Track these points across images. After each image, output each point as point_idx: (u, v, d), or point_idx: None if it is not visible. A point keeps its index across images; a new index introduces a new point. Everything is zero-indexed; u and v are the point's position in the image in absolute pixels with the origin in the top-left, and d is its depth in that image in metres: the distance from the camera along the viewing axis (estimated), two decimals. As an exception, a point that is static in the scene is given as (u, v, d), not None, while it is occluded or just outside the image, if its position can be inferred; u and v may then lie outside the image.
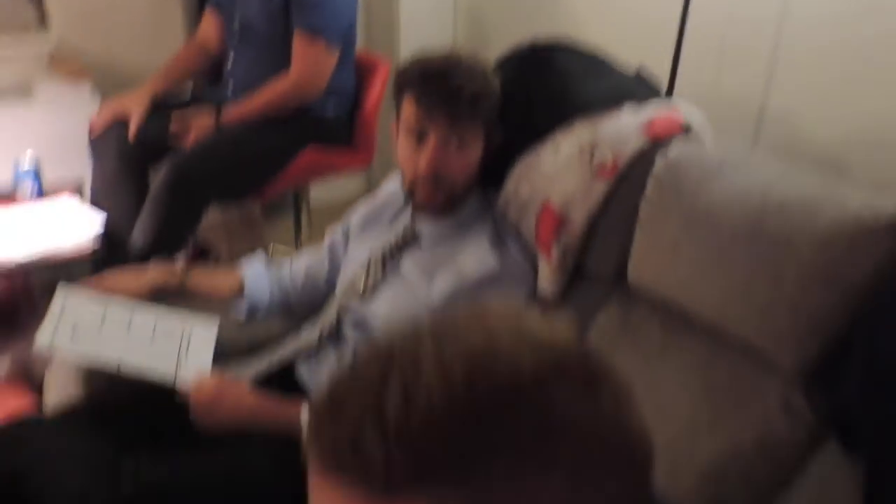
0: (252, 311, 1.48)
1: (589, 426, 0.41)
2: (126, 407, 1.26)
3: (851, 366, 0.88)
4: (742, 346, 1.01)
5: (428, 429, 0.39)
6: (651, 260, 1.08)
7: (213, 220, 2.65)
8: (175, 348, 1.29)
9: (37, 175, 2.07)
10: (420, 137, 1.22)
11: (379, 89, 2.22)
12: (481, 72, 1.23)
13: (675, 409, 1.03)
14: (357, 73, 2.19)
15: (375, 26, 2.80)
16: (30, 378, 1.40)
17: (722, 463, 0.97)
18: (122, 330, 1.29)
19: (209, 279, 1.49)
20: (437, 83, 1.19)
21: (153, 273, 1.46)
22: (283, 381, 1.34)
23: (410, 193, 1.28)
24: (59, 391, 1.42)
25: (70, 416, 1.24)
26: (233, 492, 1.08)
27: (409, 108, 1.22)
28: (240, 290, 1.47)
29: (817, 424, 0.94)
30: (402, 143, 1.25)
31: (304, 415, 1.21)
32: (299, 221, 2.65)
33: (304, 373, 1.35)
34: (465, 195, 1.29)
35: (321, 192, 2.74)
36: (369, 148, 2.30)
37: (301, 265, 1.52)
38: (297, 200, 2.63)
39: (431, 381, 0.40)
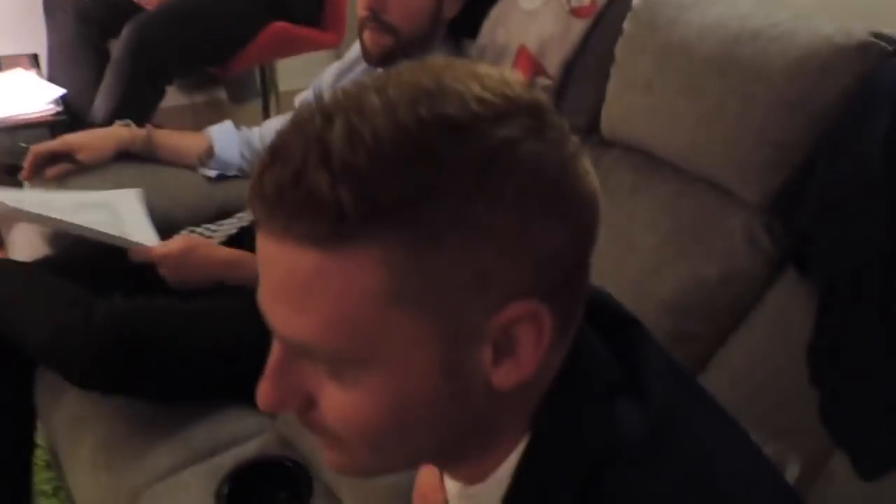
0: (222, 171, 1.47)
1: (537, 165, 0.40)
2: (95, 261, 1.25)
3: (812, 191, 0.91)
4: (708, 182, 1.02)
5: (375, 163, 0.37)
6: (625, 100, 1.08)
7: (177, 103, 2.58)
8: (110, 217, 1.26)
9: None
10: None
11: (349, -40, 2.14)
12: None
13: (642, 247, 1.06)
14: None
15: None
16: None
17: (684, 295, 1.00)
18: (57, 207, 1.23)
19: (176, 139, 1.45)
20: None
21: (118, 131, 1.42)
22: (253, 239, 1.34)
23: (360, 41, 1.24)
24: (25, 249, 1.40)
25: (40, 264, 1.23)
26: (207, 326, 1.09)
27: None
28: (208, 152, 1.45)
29: (777, 257, 0.97)
30: None
31: None
32: (267, 105, 2.59)
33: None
34: (425, 44, 1.24)
35: (290, 75, 2.67)
36: (339, 27, 2.23)
37: (271, 127, 1.49)
38: (265, 82, 2.57)
39: (377, 119, 0.38)
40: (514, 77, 0.42)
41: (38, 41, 2.10)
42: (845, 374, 0.85)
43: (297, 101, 1.48)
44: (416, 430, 0.44)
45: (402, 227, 0.38)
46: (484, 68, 0.42)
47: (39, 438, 1.27)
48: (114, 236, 1.16)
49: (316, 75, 1.56)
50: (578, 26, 1.14)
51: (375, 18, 1.17)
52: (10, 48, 2.06)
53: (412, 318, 0.40)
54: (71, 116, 1.86)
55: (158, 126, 2.11)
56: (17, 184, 1.84)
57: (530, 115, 0.40)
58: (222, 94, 2.75)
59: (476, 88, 0.40)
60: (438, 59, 0.43)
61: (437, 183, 0.38)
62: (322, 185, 0.37)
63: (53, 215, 1.16)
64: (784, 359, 0.91)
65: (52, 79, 2.00)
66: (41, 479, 1.47)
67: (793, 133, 0.91)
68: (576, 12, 1.14)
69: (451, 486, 0.52)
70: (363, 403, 0.42)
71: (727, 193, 1.00)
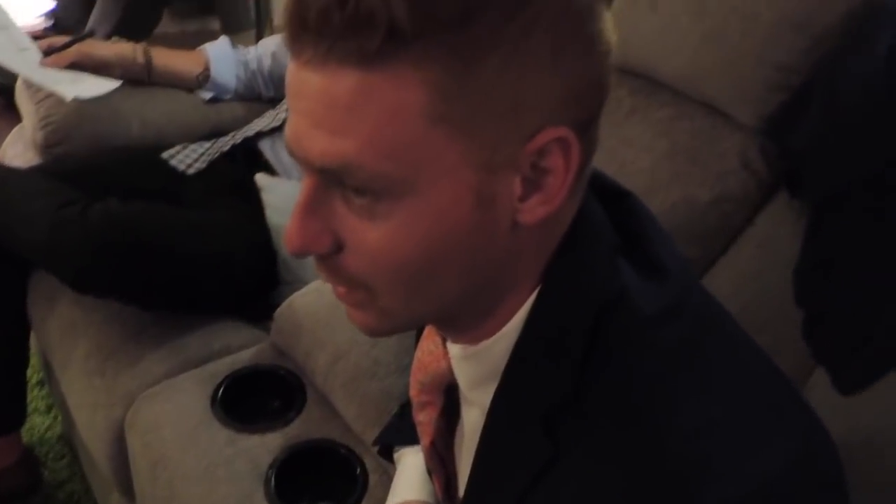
0: (218, 94, 1.45)
1: (567, 3, 0.41)
2: (90, 168, 1.24)
3: (810, 111, 0.90)
4: (706, 105, 1.02)
5: None
6: (628, 20, 1.07)
7: (169, 30, 2.53)
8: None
9: None
10: None
11: None
12: None
13: (636, 169, 1.06)
14: None
15: None
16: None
17: (674, 214, 1.01)
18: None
19: (174, 58, 1.42)
20: None
21: (122, 48, 1.38)
22: (247, 158, 1.33)
23: None
24: (17, 160, 1.39)
25: (35, 170, 1.22)
26: (203, 233, 1.09)
27: None
28: (205, 72, 1.42)
29: (770, 179, 0.98)
30: None
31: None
32: (261, 36, 2.54)
33: (266, 149, 1.34)
34: None
35: (283, 7, 2.61)
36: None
37: (268, 47, 1.47)
38: (259, 12, 2.52)
39: None
40: None
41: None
42: (829, 293, 0.87)
43: None
44: (446, 269, 0.45)
45: (448, 44, 0.39)
46: None
47: (32, 355, 1.28)
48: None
49: None
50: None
51: None
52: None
53: (451, 141, 0.41)
54: (59, 32, 1.83)
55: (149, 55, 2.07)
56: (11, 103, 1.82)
57: None
58: (215, 24, 2.70)
59: None
60: None
61: (482, 3, 0.39)
62: (373, 0, 0.38)
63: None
64: (772, 279, 0.92)
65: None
66: (34, 397, 1.50)
67: (794, 54, 0.91)
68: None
69: (454, 349, 0.53)
70: (397, 236, 0.43)
71: (724, 117, 1.00)
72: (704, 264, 1.00)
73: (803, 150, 0.91)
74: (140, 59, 1.37)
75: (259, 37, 2.57)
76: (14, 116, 1.89)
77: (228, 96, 1.46)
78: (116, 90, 1.31)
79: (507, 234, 0.44)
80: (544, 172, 0.43)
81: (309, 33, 0.40)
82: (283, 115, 1.34)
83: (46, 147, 1.30)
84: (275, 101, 1.44)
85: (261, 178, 1.21)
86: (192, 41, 2.76)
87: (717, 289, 0.96)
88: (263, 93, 1.48)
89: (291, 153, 0.45)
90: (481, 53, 0.39)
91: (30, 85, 1.33)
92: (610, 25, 0.44)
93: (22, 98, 1.36)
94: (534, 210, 0.44)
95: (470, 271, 0.46)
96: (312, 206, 0.44)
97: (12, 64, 1.25)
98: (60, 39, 1.34)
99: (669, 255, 0.50)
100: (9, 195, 1.06)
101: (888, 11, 0.83)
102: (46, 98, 1.32)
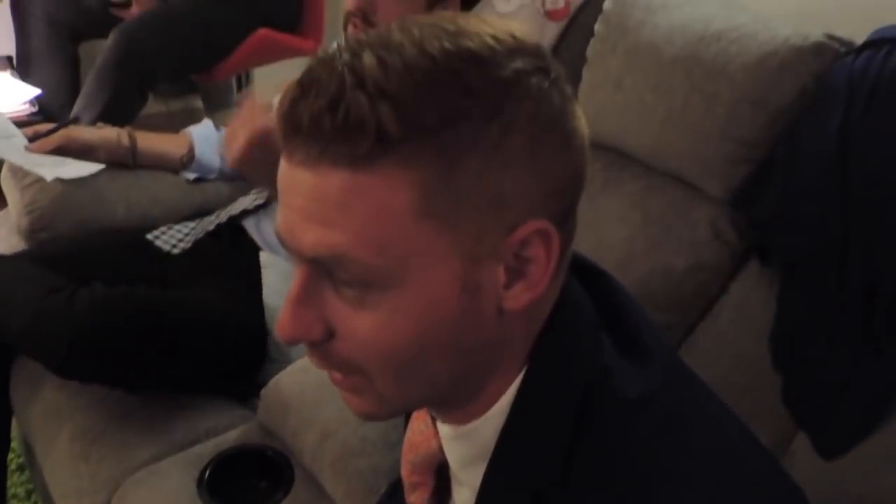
0: (202, 174, 1.47)
1: (543, 97, 0.45)
2: (75, 254, 1.25)
3: (771, 183, 0.95)
4: (675, 177, 1.07)
5: (409, 88, 0.41)
6: (597, 98, 1.12)
7: (154, 110, 2.58)
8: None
9: None
10: None
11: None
12: None
13: (613, 241, 1.09)
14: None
15: None
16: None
17: (654, 285, 1.04)
18: None
19: (158, 141, 1.44)
20: None
21: (108, 130, 1.40)
22: (232, 237, 1.35)
23: (345, 35, 1.26)
24: (0, 243, 1.40)
25: (20, 256, 1.23)
26: (188, 315, 1.09)
27: None
28: (189, 153, 1.44)
29: (741, 248, 1.02)
30: None
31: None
32: (244, 113, 2.60)
33: (251, 227, 1.35)
34: None
35: (265, 84, 2.69)
36: (317, 31, 2.25)
37: None
38: (241, 90, 2.59)
39: (405, 51, 0.42)
40: (516, 26, 0.47)
41: (11, 44, 2.10)
42: (803, 358, 0.90)
43: (275, 101, 1.50)
44: (436, 356, 0.47)
45: (434, 146, 0.42)
46: (490, 19, 0.47)
47: (12, 439, 1.26)
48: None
49: (288, 80, 1.58)
50: (553, 29, 1.18)
51: (363, 17, 1.20)
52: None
53: (437, 235, 0.43)
54: (44, 118, 1.86)
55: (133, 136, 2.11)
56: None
57: (535, 56, 0.45)
58: (198, 103, 2.76)
59: (489, 30, 0.44)
60: (448, 12, 0.47)
61: (463, 107, 0.42)
62: (362, 108, 0.41)
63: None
64: (749, 345, 0.95)
65: (23, 79, 1.99)
66: (14, 483, 1.46)
67: (754, 130, 0.96)
68: (550, 15, 1.18)
69: (445, 429, 0.55)
70: (387, 325, 0.45)
71: (693, 188, 1.04)
72: (683, 331, 1.02)
73: (768, 220, 0.96)
74: (125, 142, 1.39)
75: (241, 114, 2.64)
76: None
77: (213, 176, 1.49)
78: (99, 172, 1.34)
79: (493, 319, 0.47)
80: (527, 262, 0.46)
81: (301, 136, 0.43)
82: (266, 193, 1.36)
83: (31, 232, 1.31)
84: None
85: (265, 258, 1.23)
86: (176, 120, 2.83)
87: (695, 355, 1.00)
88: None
89: (283, 244, 0.47)
90: (463, 154, 0.42)
91: (14, 170, 1.35)
92: (583, 121, 0.48)
93: (7, 184, 1.38)
94: (518, 297, 0.46)
95: (459, 356, 0.48)
96: (304, 296, 0.46)
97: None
98: (45, 126, 1.36)
99: (650, 335, 0.52)
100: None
101: (836, 91, 0.88)
102: (32, 184, 1.34)
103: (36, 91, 1.85)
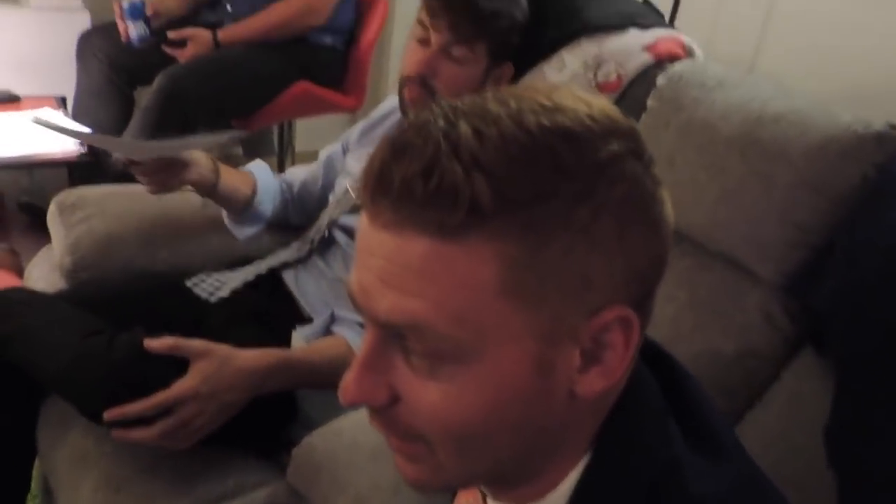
0: (254, 223, 1.42)
1: (635, 182, 0.44)
2: (113, 296, 1.25)
3: (830, 271, 0.93)
4: (727, 258, 1.04)
5: (504, 161, 0.40)
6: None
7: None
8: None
9: (140, 13, 1.96)
10: (424, 41, 1.22)
11: (376, 28, 2.22)
12: None
13: (659, 319, 1.06)
14: (356, 11, 2.20)
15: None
16: (17, 271, 1.38)
17: (700, 368, 1.00)
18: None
19: (231, 178, 1.36)
20: None
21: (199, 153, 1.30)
22: (270, 287, 1.35)
23: (400, 96, 1.28)
24: (42, 282, 1.41)
25: (59, 296, 1.23)
26: None
27: (422, 10, 1.22)
28: (253, 195, 1.38)
29: (794, 335, 0.99)
30: (408, 47, 1.25)
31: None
32: (283, 163, 2.64)
33: (290, 280, 1.35)
34: None
35: (306, 136, 2.73)
36: (360, 90, 2.30)
37: (297, 175, 1.50)
38: (283, 140, 2.63)
39: (502, 123, 0.41)
40: (610, 104, 0.46)
41: (65, 85, 2.16)
42: (861, 456, 0.85)
43: (322, 154, 1.52)
44: (502, 433, 0.45)
45: (523, 222, 0.41)
46: (582, 93, 0.46)
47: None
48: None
49: (331, 137, 1.62)
50: (604, 101, 1.18)
51: (423, 82, 1.21)
52: (39, 90, 2.12)
53: (517, 312, 0.42)
54: (93, 157, 1.90)
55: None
56: (40, 222, 1.86)
57: (630, 139, 0.45)
58: (238, 149, 2.81)
59: (584, 108, 0.44)
60: (540, 83, 0.47)
61: (556, 185, 0.41)
62: (457, 177, 0.40)
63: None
64: (801, 438, 0.91)
65: (76, 120, 2.05)
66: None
67: (813, 214, 0.94)
68: (601, 87, 1.18)
69: None
70: (457, 398, 0.43)
71: (745, 270, 1.02)
72: (731, 418, 0.99)
73: (825, 309, 0.93)
74: (212, 167, 1.31)
75: (281, 163, 2.67)
76: (38, 235, 1.94)
77: (260, 227, 1.44)
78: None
79: (563, 401, 0.45)
80: (604, 347, 0.45)
81: (389, 199, 0.42)
82: (306, 247, 1.36)
83: (73, 272, 1.32)
84: (299, 230, 1.47)
85: (296, 337, 1.21)
86: (215, 166, 2.85)
87: (745, 445, 0.96)
88: (293, 220, 1.50)
89: (356, 305, 0.46)
90: (552, 232, 0.41)
91: (62, 208, 1.36)
92: (670, 206, 0.47)
93: (53, 222, 1.40)
94: (592, 383, 0.45)
95: (524, 435, 0.46)
96: (373, 360, 0.45)
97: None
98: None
99: (721, 426, 0.50)
100: (33, 321, 1.07)
101: (901, 180, 0.87)
102: (77, 224, 1.36)
103: (87, 130, 1.89)
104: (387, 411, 0.46)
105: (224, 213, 1.42)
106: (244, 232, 1.42)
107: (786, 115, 0.98)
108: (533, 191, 0.41)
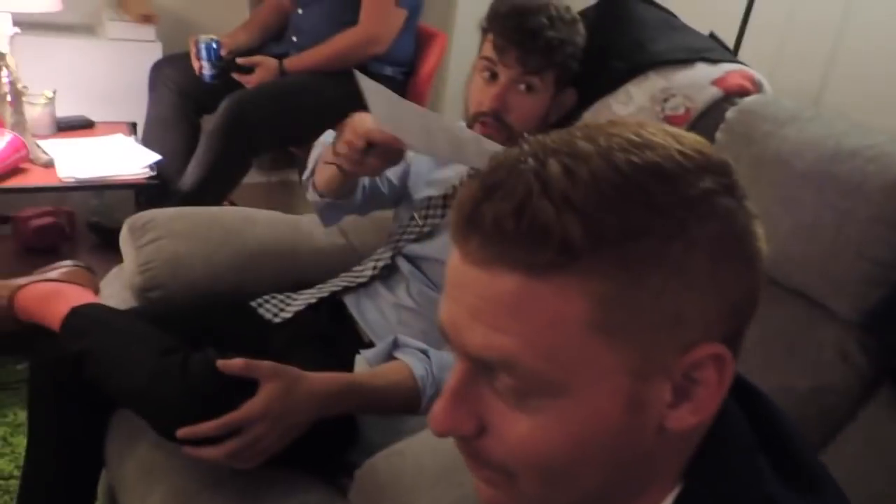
0: (348, 209, 1.40)
1: (728, 218, 0.44)
2: (185, 315, 1.28)
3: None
4: (800, 294, 1.03)
5: (595, 199, 0.41)
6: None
7: (253, 180, 2.70)
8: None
9: (215, 54, 2.03)
10: (492, 76, 1.24)
11: (434, 60, 2.26)
12: (567, 22, 1.22)
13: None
14: (415, 44, 2.24)
15: None
16: (93, 288, 1.43)
17: (771, 404, 0.99)
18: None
19: None
20: (516, 23, 1.20)
21: None
22: (332, 311, 1.37)
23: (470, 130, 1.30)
24: (113, 300, 1.45)
25: (133, 313, 1.27)
26: None
27: (486, 46, 1.24)
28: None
29: (871, 373, 0.96)
30: (474, 80, 1.28)
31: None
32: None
33: (352, 304, 1.37)
34: None
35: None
36: (418, 119, 2.34)
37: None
38: (339, 167, 2.68)
39: (593, 161, 0.42)
40: (700, 138, 0.46)
41: (136, 111, 2.25)
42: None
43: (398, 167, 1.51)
44: (588, 466, 0.45)
45: (616, 260, 0.41)
46: (671, 128, 0.46)
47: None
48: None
49: None
50: (672, 134, 1.18)
51: (495, 118, 1.23)
52: (112, 116, 2.21)
53: (609, 348, 0.42)
54: (161, 182, 1.97)
55: (233, 203, 2.20)
56: (107, 242, 1.92)
57: (722, 174, 0.44)
58: (294, 176, 2.88)
59: (674, 144, 0.44)
60: (627, 118, 0.47)
61: (648, 223, 0.41)
62: (548, 216, 0.40)
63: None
64: (881, 482, 0.88)
65: (146, 146, 2.13)
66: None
67: (891, 251, 0.92)
68: (669, 119, 1.18)
69: None
70: (545, 432, 0.43)
71: (819, 306, 1.00)
72: (804, 457, 0.96)
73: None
74: None
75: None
76: (105, 254, 2.01)
77: (351, 213, 1.41)
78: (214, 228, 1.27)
79: (652, 436, 0.45)
80: (696, 383, 0.44)
81: (480, 236, 0.43)
82: (368, 273, 1.38)
83: (143, 290, 1.36)
84: (362, 257, 1.45)
85: (359, 361, 1.22)
86: (273, 191, 2.95)
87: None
88: (361, 212, 1.45)
89: (446, 338, 0.47)
90: (644, 270, 0.41)
91: (133, 229, 1.40)
92: (763, 240, 0.46)
93: (125, 242, 1.45)
94: (683, 418, 0.45)
95: (612, 469, 0.46)
96: (462, 391, 0.46)
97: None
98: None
99: (812, 458, 0.49)
100: (110, 338, 1.10)
101: None
102: (148, 244, 1.40)
103: (156, 156, 1.96)
104: (473, 441, 0.46)
105: (318, 202, 1.35)
106: (333, 219, 1.39)
107: (862, 151, 0.96)
108: (624, 229, 0.41)
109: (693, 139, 0.46)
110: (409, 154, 1.51)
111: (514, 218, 0.41)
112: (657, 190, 0.42)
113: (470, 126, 1.28)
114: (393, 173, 1.44)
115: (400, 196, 1.46)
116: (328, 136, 1.37)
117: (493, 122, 1.24)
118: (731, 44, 1.71)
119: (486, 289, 0.43)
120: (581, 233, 0.40)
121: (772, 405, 0.52)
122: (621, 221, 0.41)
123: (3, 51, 1.81)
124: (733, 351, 0.45)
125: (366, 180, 1.37)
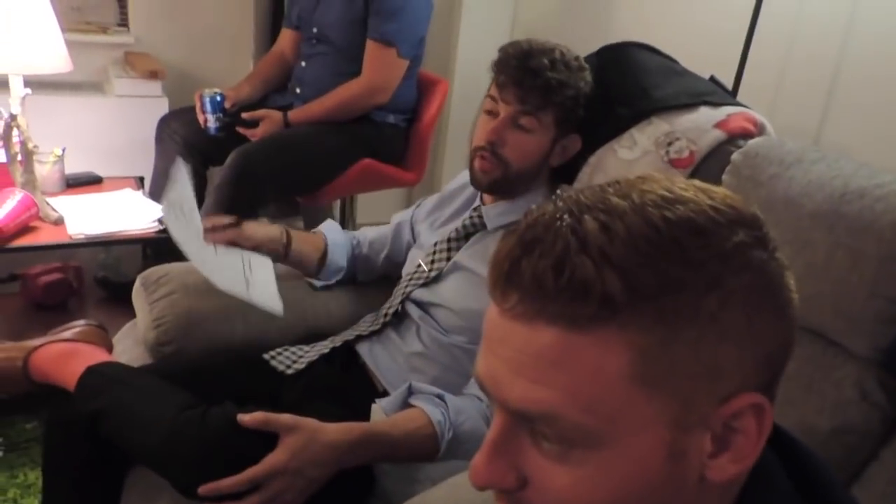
0: (330, 277, 1.50)
1: (762, 270, 0.45)
2: (200, 370, 1.28)
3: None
4: (816, 332, 1.03)
5: (632, 254, 0.42)
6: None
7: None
8: (240, 269, 1.32)
9: (219, 106, 2.09)
10: (493, 114, 1.27)
11: (436, 106, 2.30)
12: (572, 67, 1.25)
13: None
14: (417, 90, 2.28)
15: (433, 45, 2.90)
16: (107, 346, 1.43)
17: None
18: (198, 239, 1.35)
19: (304, 244, 1.47)
20: (519, 63, 1.23)
21: (273, 228, 1.44)
22: (345, 360, 1.37)
23: (470, 167, 1.32)
24: (126, 355, 1.45)
25: (148, 370, 1.27)
26: None
27: (491, 87, 1.28)
28: (323, 259, 1.48)
29: (891, 412, 0.96)
30: (479, 120, 1.30)
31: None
32: (343, 236, 2.70)
33: (365, 352, 1.37)
34: (530, 184, 1.31)
35: (364, 210, 2.81)
36: (421, 165, 2.37)
37: (367, 234, 1.56)
38: (345, 214, 2.70)
39: (628, 217, 0.43)
40: (732, 193, 0.47)
41: (143, 165, 2.28)
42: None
43: (395, 220, 1.56)
44: None
45: (654, 313, 0.42)
46: (701, 183, 0.47)
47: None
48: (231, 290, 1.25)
49: (389, 210, 1.68)
50: (677, 177, 1.19)
51: (492, 151, 1.26)
52: (120, 171, 2.24)
53: (649, 400, 0.43)
54: (169, 235, 1.98)
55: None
56: (115, 296, 1.92)
57: (754, 227, 0.45)
58: (300, 223, 2.90)
59: (706, 199, 0.45)
60: (657, 174, 0.49)
61: (684, 277, 0.42)
62: (588, 272, 0.41)
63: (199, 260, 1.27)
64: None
65: (153, 199, 2.15)
66: None
67: (906, 288, 0.93)
68: (674, 163, 1.20)
69: None
70: (587, 484, 0.44)
71: (835, 344, 1.00)
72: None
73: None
74: (283, 240, 1.43)
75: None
76: (113, 309, 2.01)
77: (339, 277, 1.51)
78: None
79: (693, 486, 0.45)
80: (735, 432, 0.45)
81: (519, 291, 0.44)
82: (381, 321, 1.39)
83: (157, 346, 1.36)
84: (373, 306, 1.48)
85: (375, 410, 1.22)
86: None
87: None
88: (359, 276, 1.55)
89: (486, 392, 0.47)
90: (682, 323, 0.42)
91: (147, 284, 1.41)
92: (795, 289, 0.47)
93: (138, 297, 1.45)
94: (724, 468, 0.45)
95: None
96: (502, 444, 0.46)
97: (190, 252, 1.31)
98: (223, 220, 1.40)
99: (850, 502, 0.49)
100: (127, 396, 1.10)
101: None
102: (160, 299, 1.41)
103: (158, 213, 1.98)
104: (514, 494, 0.46)
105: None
106: (318, 283, 1.49)
107: (870, 191, 0.97)
108: (662, 283, 0.42)
109: (723, 193, 0.47)
110: (409, 211, 1.55)
111: (554, 274, 0.42)
112: (692, 245, 0.43)
113: (470, 160, 1.30)
114: (390, 248, 1.53)
115: (402, 262, 1.50)
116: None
117: (489, 156, 1.26)
118: (730, 83, 1.74)
119: (527, 343, 0.43)
120: (621, 287, 0.41)
121: (806, 449, 0.52)
122: (658, 276, 0.42)
123: (15, 112, 1.84)
124: (771, 398, 0.45)
125: (346, 245, 1.51)
